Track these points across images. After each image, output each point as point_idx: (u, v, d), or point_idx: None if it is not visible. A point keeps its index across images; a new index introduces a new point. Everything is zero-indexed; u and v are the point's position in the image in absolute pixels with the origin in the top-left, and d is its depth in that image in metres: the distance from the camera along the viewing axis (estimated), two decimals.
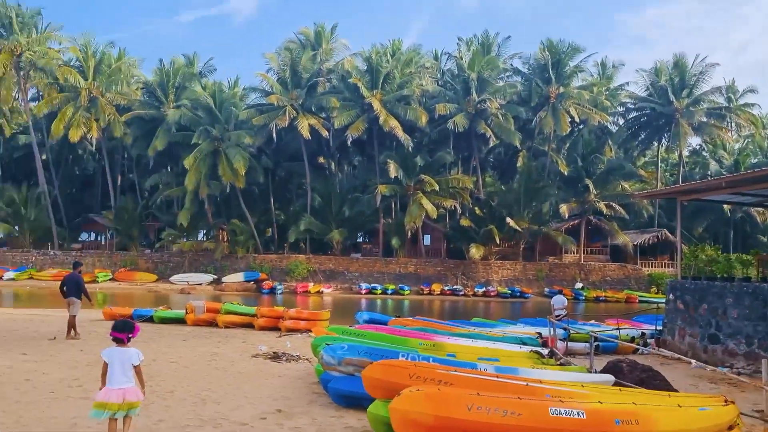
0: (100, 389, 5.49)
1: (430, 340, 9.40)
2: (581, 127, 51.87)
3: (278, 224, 50.50)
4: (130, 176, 55.29)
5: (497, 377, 5.93)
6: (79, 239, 54.62)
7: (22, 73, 46.84)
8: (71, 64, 47.61)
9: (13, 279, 42.95)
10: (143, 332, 14.85)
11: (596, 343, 11.51)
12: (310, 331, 16.88)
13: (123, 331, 5.59)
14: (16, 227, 48.92)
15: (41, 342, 12.18)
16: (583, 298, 43.58)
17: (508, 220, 43.77)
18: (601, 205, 44.99)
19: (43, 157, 52.59)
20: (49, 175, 51.93)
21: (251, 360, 11.09)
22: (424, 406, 5.16)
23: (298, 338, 15.36)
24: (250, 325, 17.50)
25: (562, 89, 46.06)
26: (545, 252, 49.83)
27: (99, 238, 55.49)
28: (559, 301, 20.13)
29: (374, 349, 7.17)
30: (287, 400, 7.70)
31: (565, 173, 48.87)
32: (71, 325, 13.46)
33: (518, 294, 43.69)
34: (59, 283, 14.22)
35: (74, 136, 44.97)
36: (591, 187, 45.23)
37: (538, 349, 9.28)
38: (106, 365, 5.46)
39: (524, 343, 10.18)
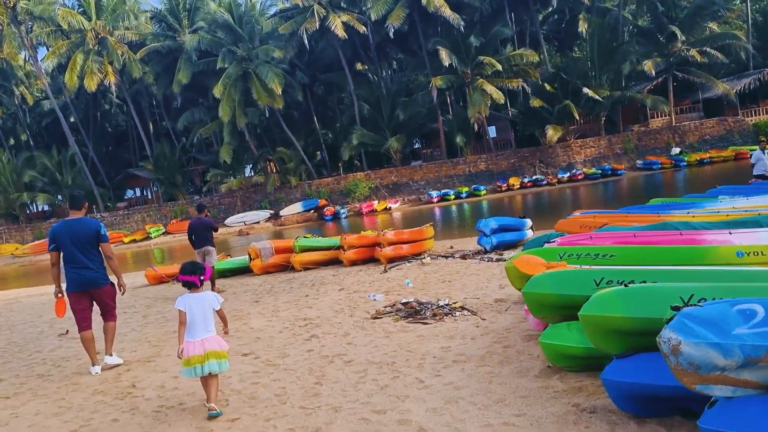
0: (180, 346, 4.55)
1: (715, 245, 4.84)
2: None
3: (327, 144, 46.10)
4: (163, 124, 51.35)
5: None
6: (125, 197, 51.75)
7: (23, 27, 42.36)
8: (70, 5, 42.86)
9: None
10: None
11: None
12: (419, 255, 12.60)
13: (193, 273, 4.68)
14: (58, 196, 46.18)
15: (47, 340, 8.12)
16: (685, 164, 38.08)
17: (586, 90, 37.94)
18: (694, 53, 38.38)
19: (72, 119, 49.28)
20: (80, 137, 48.65)
21: (373, 325, 6.70)
22: None
23: (410, 270, 11.00)
24: (334, 261, 13.32)
25: None
26: (627, 122, 43.92)
27: (144, 193, 52.53)
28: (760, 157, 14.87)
29: None
30: None
31: (642, 25, 42.10)
32: (212, 279, 10.82)
33: (609, 172, 38.42)
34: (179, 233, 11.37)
35: (90, 84, 40.63)
36: (678, 33, 38.53)
37: None
38: (184, 315, 4.58)
39: None
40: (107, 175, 49.61)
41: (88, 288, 6.11)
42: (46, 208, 49.94)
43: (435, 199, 38.59)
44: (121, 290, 6.33)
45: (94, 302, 6.23)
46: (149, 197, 51.12)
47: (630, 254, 5.00)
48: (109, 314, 6.27)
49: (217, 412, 4.46)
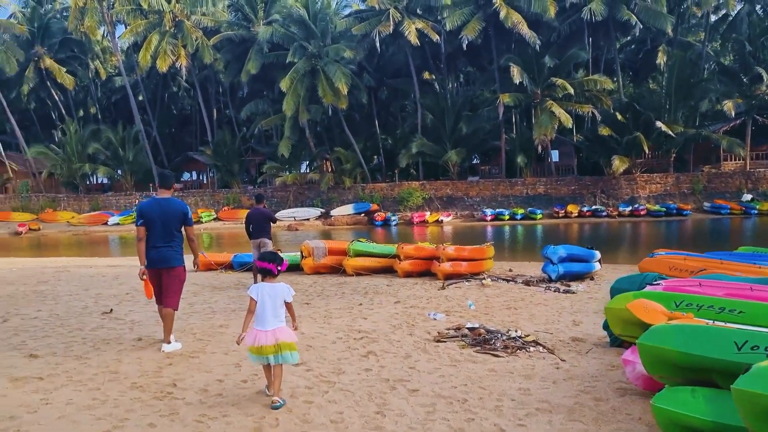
0: (243, 334, 4.58)
1: None
2: (742, 6, 42.50)
3: (385, 149, 45.69)
4: (227, 112, 52.00)
5: None
6: (181, 179, 52.44)
7: (105, 3, 43.41)
8: None
9: (118, 224, 41.26)
10: (242, 298, 9.52)
11: None
12: (477, 275, 11.93)
13: (272, 261, 4.70)
14: (118, 171, 47.15)
15: (90, 317, 7.79)
16: (756, 212, 36.22)
17: (659, 124, 36.50)
18: None
19: (140, 98, 50.35)
20: (147, 117, 49.61)
21: (437, 350, 6.09)
22: None
23: (469, 290, 10.35)
24: (387, 270, 12.78)
25: None
26: (698, 161, 42.14)
27: (200, 177, 53.20)
28: None
29: None
30: None
31: (726, 63, 40.34)
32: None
33: (674, 211, 36.82)
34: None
35: (162, 65, 41.43)
36: (764, 76, 36.73)
37: None
38: (254, 303, 4.61)
39: None
40: (167, 156, 50.37)
41: (163, 266, 6.15)
42: (105, 181, 51.09)
43: (488, 217, 37.68)
44: (195, 266, 6.61)
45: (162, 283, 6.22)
46: (205, 182, 51.70)
47: (762, 313, 4.25)
48: (170, 298, 6.20)
49: (281, 403, 4.45)
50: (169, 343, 6.11)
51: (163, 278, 6.18)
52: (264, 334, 4.48)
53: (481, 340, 6.23)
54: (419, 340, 6.49)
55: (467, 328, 6.75)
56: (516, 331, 6.56)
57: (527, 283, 11.05)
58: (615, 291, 6.17)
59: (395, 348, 6.13)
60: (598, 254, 12.52)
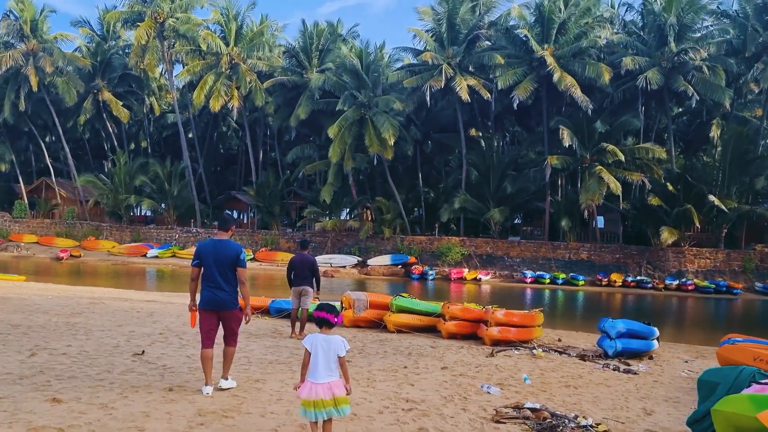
0: (300, 383, 4.59)
1: None
2: None
3: (426, 203, 45.34)
4: (272, 155, 52.69)
5: None
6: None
7: (166, 43, 44.78)
8: (213, 29, 45.03)
9: (156, 257, 41.47)
10: (279, 348, 9.02)
11: None
12: (526, 342, 11.21)
13: (330, 312, 4.65)
14: (162, 204, 47.78)
15: (120, 357, 7.34)
16: None
17: (711, 198, 35.36)
18: None
19: (190, 135, 51.43)
20: (194, 154, 50.51)
21: None
22: None
23: (520, 359, 9.63)
24: (429, 329, 12.19)
25: None
26: (750, 239, 40.57)
27: (241, 217, 53.50)
28: None
29: None
30: None
31: None
32: (303, 321, 10.68)
33: (724, 289, 35.21)
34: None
35: (215, 105, 42.27)
36: None
37: None
38: (308, 355, 4.58)
39: None
40: (210, 193, 50.92)
41: (218, 309, 6.25)
42: (148, 213, 51.81)
43: (528, 279, 36.60)
44: (246, 319, 6.41)
45: (220, 324, 6.38)
46: (245, 221, 51.96)
47: None
48: (231, 339, 6.40)
49: None
50: (226, 379, 6.25)
51: (222, 321, 6.33)
52: (321, 387, 4.42)
53: (548, 426, 5.55)
54: (475, 417, 5.84)
55: (528, 409, 6.07)
56: (585, 419, 5.86)
57: (582, 357, 10.29)
58: (704, 384, 5.47)
59: (450, 426, 5.49)
60: (657, 331, 11.70)
